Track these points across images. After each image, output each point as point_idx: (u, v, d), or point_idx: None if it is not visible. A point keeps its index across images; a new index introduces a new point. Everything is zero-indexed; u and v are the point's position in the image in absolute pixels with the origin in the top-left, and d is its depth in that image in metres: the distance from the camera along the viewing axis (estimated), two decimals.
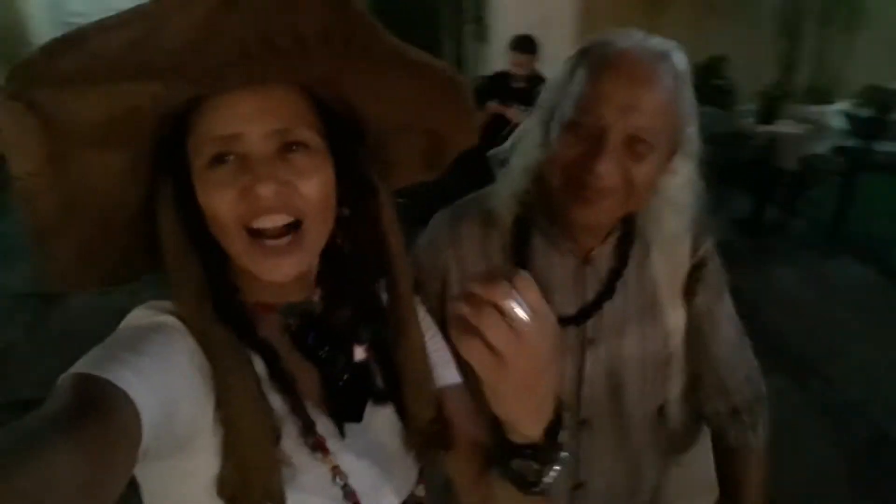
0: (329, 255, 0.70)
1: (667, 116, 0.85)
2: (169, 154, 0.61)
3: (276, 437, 0.62)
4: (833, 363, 2.97)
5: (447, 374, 0.78)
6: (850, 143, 4.71)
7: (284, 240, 0.61)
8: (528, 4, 4.88)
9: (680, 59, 0.88)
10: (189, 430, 0.57)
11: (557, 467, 0.62)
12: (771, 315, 3.34)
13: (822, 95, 5.68)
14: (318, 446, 0.65)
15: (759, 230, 4.35)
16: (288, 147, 0.60)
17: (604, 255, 0.98)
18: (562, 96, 0.89)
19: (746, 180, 4.78)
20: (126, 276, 0.68)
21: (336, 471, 0.66)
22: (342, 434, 0.67)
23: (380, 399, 0.72)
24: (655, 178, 0.88)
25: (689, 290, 1.01)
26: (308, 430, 0.64)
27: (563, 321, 0.96)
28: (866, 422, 2.61)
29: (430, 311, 0.85)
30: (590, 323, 0.98)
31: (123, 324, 0.63)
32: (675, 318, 1.01)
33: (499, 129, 4.00)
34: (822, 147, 4.94)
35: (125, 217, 0.63)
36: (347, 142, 0.67)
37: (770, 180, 4.53)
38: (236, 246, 0.61)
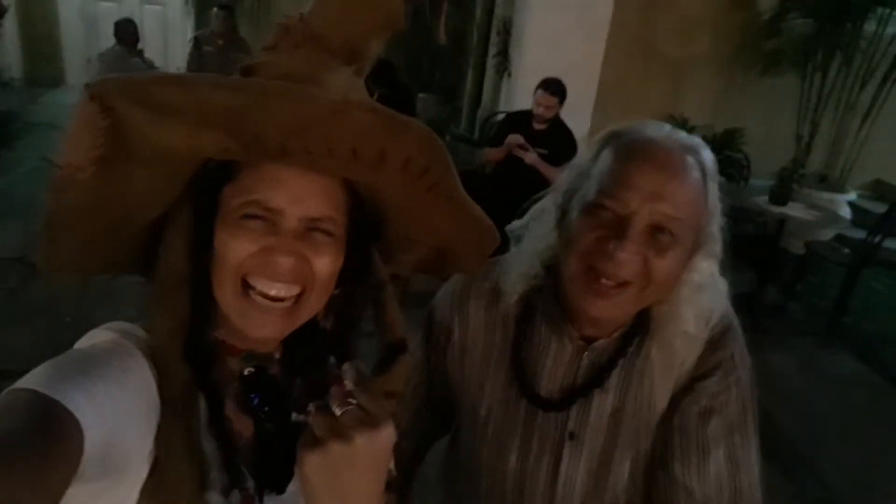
0: (306, 328, 0.71)
1: (693, 210, 0.82)
2: (203, 189, 0.64)
3: (202, 485, 0.62)
4: (824, 459, 2.86)
5: None
6: (855, 234, 4.68)
7: (281, 305, 0.64)
8: (556, 46, 4.88)
9: (708, 156, 0.85)
10: (123, 461, 0.57)
11: None
12: (763, 399, 3.22)
13: (833, 183, 5.69)
14: (244, 502, 0.65)
15: (758, 309, 4.28)
16: (315, 228, 0.64)
17: (605, 348, 0.92)
18: (584, 179, 0.87)
19: (750, 257, 4.74)
20: (110, 271, 0.71)
21: None
22: (261, 501, 0.67)
23: None
24: (675, 274, 0.84)
25: (676, 400, 0.90)
26: (235, 484, 0.65)
27: (545, 406, 0.92)
28: None
29: (431, 360, 1.01)
30: (573, 414, 0.91)
31: (84, 340, 0.63)
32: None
33: (513, 171, 4.01)
34: (828, 234, 4.91)
35: (136, 227, 0.65)
36: (364, 238, 0.71)
37: (774, 260, 4.47)
38: (228, 294, 0.63)
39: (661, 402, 0.91)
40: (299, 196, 0.62)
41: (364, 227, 0.70)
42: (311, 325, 0.72)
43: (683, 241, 0.82)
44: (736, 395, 0.90)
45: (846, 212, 5.37)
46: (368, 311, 0.75)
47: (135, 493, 0.59)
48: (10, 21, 7.90)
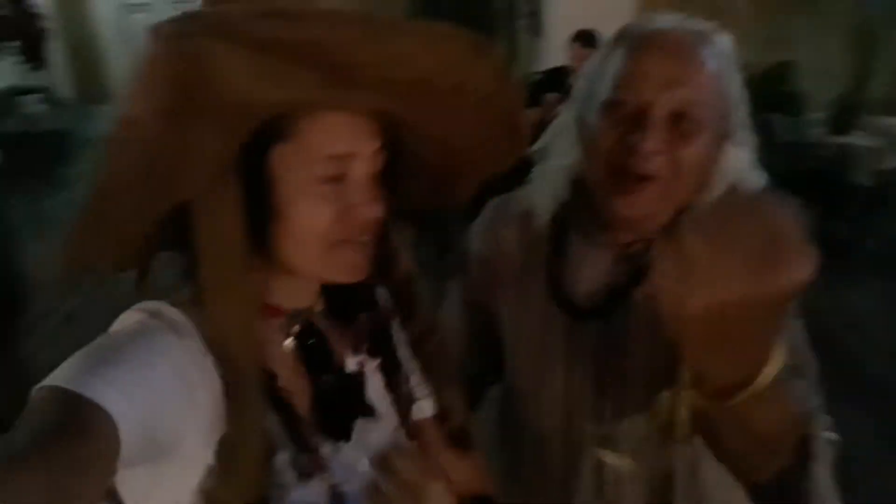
0: None
1: (714, 93, 0.79)
2: (252, 153, 0.60)
3: (272, 453, 0.62)
4: None
5: (425, 406, 0.83)
6: None
7: (363, 247, 0.66)
8: (585, 3, 4.73)
9: (724, 42, 0.82)
10: (171, 438, 0.57)
11: None
12: (842, 340, 3.14)
13: None
14: (314, 464, 0.65)
15: (827, 248, 4.08)
16: (373, 174, 0.65)
17: (644, 248, 0.88)
18: (596, 82, 0.84)
19: (813, 194, 4.51)
20: (123, 266, 0.66)
21: (333, 489, 0.66)
22: (336, 451, 0.68)
23: (370, 414, 0.74)
24: (705, 163, 0.80)
25: None
26: (304, 448, 0.65)
27: (585, 316, 0.90)
28: None
29: (470, 298, 1.02)
30: (613, 322, 0.88)
31: (114, 326, 0.63)
32: None
33: None
34: None
35: (179, 199, 0.60)
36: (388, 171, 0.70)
37: (840, 195, 4.25)
38: (313, 255, 0.63)
39: None
40: (364, 134, 0.63)
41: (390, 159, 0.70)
42: None
43: (708, 126, 0.78)
44: None
45: None
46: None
47: (196, 466, 0.59)
48: (54, 41, 8.21)
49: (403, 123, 0.66)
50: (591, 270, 0.91)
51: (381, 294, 0.79)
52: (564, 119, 0.92)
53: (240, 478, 0.60)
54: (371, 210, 0.63)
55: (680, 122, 0.77)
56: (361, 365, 0.74)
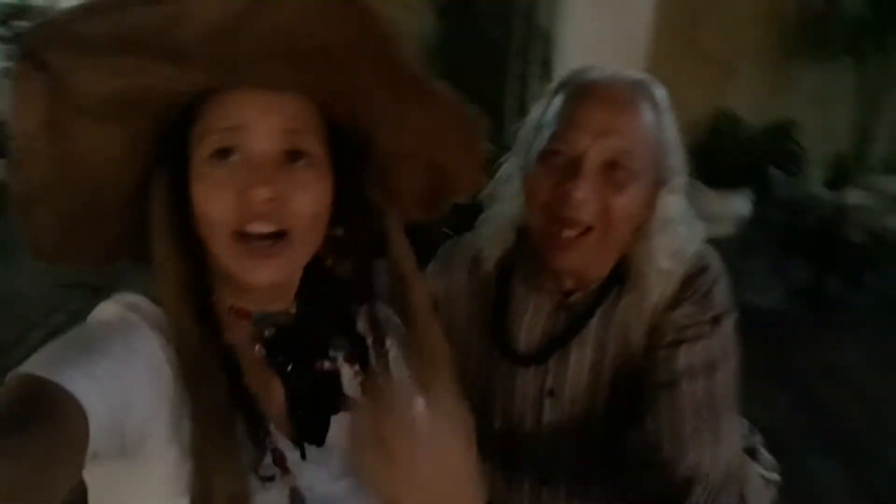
0: (313, 272, 0.69)
1: (647, 142, 0.81)
2: (169, 142, 0.61)
3: (239, 452, 0.60)
4: (889, 450, 2.76)
5: None
6: None
7: (268, 244, 0.60)
8: (598, 52, 4.89)
9: (658, 91, 0.85)
10: (140, 434, 0.56)
11: None
12: (830, 395, 3.16)
13: None
14: (277, 466, 0.63)
15: (820, 302, 4.16)
16: (291, 155, 0.60)
17: (583, 300, 0.91)
18: (537, 131, 0.87)
19: (809, 249, 4.60)
20: (108, 258, 0.68)
21: (294, 492, 0.63)
22: (303, 456, 0.66)
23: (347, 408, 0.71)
24: (639, 211, 0.83)
25: (654, 336, 0.87)
26: (264, 449, 0.63)
27: (524, 362, 0.92)
28: None
29: None
30: (551, 369, 0.91)
31: (90, 318, 0.62)
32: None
33: None
34: (893, 221, 4.72)
35: (116, 198, 0.62)
36: (351, 160, 0.67)
37: (835, 251, 4.34)
38: (220, 245, 0.60)
39: (638, 347, 0.89)
40: (260, 108, 0.58)
41: (348, 152, 0.66)
42: (321, 272, 0.70)
43: (641, 174, 0.81)
44: (716, 335, 0.86)
45: None
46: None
47: (165, 463, 0.58)
48: None
49: (345, 111, 0.64)
50: (532, 317, 0.94)
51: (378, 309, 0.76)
52: (509, 167, 0.95)
53: (211, 469, 0.57)
54: (264, 191, 0.57)
55: (613, 171, 0.80)
56: (334, 363, 0.72)
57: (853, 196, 4.44)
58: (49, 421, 0.46)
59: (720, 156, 5.60)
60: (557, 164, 0.82)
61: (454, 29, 5.92)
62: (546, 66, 6.29)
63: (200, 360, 0.60)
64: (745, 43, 5.95)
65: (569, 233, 0.81)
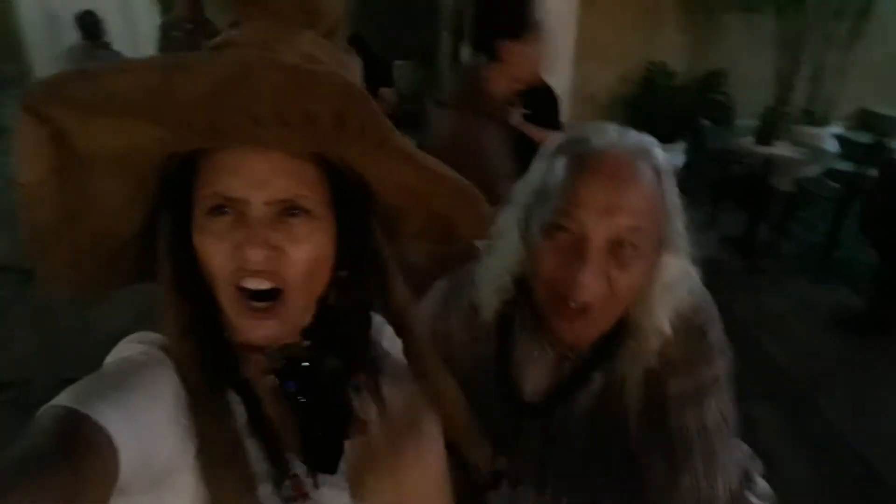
0: (321, 310, 0.70)
1: (651, 215, 0.82)
2: (173, 190, 0.62)
3: (251, 485, 0.61)
4: (824, 395, 2.90)
5: None
6: (843, 167, 4.68)
7: (266, 304, 0.61)
8: None
9: (660, 154, 0.84)
10: (166, 469, 0.57)
11: None
12: (760, 339, 3.29)
13: (817, 117, 5.66)
14: (296, 494, 0.65)
15: (751, 250, 4.30)
16: (289, 211, 0.61)
17: (586, 352, 0.92)
18: (538, 196, 0.86)
19: (740, 198, 4.73)
20: (116, 285, 0.69)
21: None
22: (316, 484, 0.67)
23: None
24: (640, 284, 0.83)
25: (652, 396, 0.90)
26: (285, 475, 0.64)
27: (530, 411, 0.93)
28: (853, 454, 2.54)
29: None
30: (556, 418, 0.92)
31: (114, 353, 0.64)
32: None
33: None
34: (816, 170, 4.90)
35: (123, 236, 0.64)
36: (353, 208, 0.67)
37: (765, 200, 4.47)
38: (224, 296, 0.62)
39: (635, 397, 0.90)
40: (261, 179, 0.59)
41: (351, 200, 0.66)
42: (328, 310, 0.70)
43: (645, 249, 0.81)
44: (719, 391, 0.90)
45: (834, 146, 5.36)
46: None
47: (187, 499, 0.59)
48: None
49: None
50: (536, 368, 0.94)
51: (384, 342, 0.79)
52: (507, 220, 0.93)
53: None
54: (259, 251, 0.58)
55: (619, 249, 0.79)
56: (345, 391, 0.73)
57: (779, 147, 4.57)
58: (82, 455, 0.47)
59: (652, 107, 5.66)
60: (563, 241, 0.81)
61: None
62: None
63: (204, 396, 0.61)
64: None
65: (573, 306, 0.81)
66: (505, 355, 0.95)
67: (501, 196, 0.92)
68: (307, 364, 0.69)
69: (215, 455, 0.60)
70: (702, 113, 5.51)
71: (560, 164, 0.84)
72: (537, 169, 0.89)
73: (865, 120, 6.23)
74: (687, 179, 4.59)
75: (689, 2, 6.04)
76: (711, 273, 0.93)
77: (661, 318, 0.86)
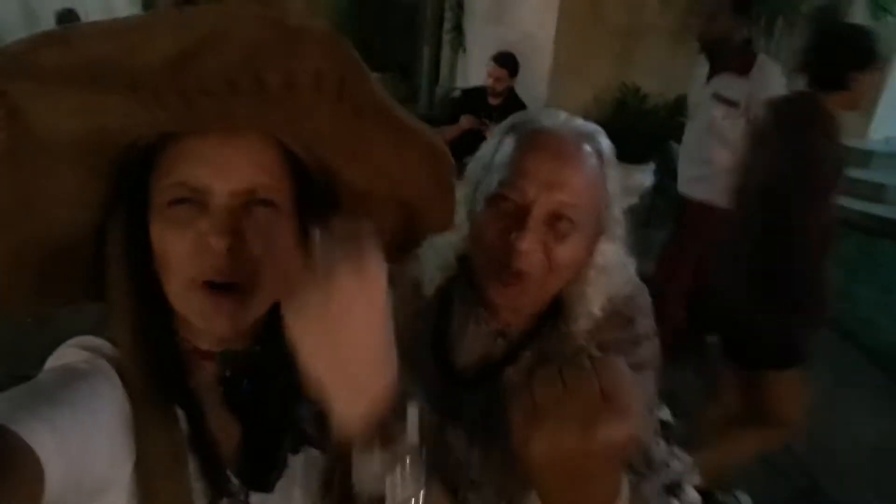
0: (278, 311, 0.66)
1: (591, 195, 0.85)
2: (129, 183, 0.59)
3: (190, 500, 0.60)
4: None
5: None
6: None
7: (230, 294, 0.59)
8: (509, 20, 4.91)
9: (605, 142, 0.89)
10: (98, 486, 0.55)
11: None
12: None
13: None
14: None
15: None
16: (253, 203, 0.59)
17: (520, 330, 0.96)
18: (487, 171, 0.90)
19: None
20: (62, 300, 0.64)
21: None
22: (247, 502, 0.65)
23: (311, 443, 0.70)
24: (578, 259, 0.87)
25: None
26: (220, 494, 0.62)
27: (460, 384, 0.95)
28: (802, 472, 2.62)
29: None
30: (485, 392, 0.94)
31: (54, 358, 0.61)
32: None
33: (473, 146, 4.02)
34: None
35: (70, 237, 0.59)
36: (318, 203, 0.65)
37: None
38: (179, 291, 0.59)
39: None
40: (225, 167, 0.57)
41: (314, 193, 0.65)
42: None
43: (583, 226, 0.85)
44: (637, 350, 0.91)
45: None
46: None
47: None
48: None
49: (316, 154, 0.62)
50: (471, 343, 0.97)
51: None
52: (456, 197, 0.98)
53: None
54: (223, 242, 0.56)
55: (557, 222, 0.84)
56: (296, 402, 0.70)
57: None
58: (3, 472, 0.44)
59: (625, 129, 5.79)
60: (505, 210, 0.85)
61: None
62: (459, 33, 6.29)
63: (150, 405, 0.58)
64: (646, 15, 6.13)
65: (511, 273, 0.84)
66: (442, 329, 0.99)
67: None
68: (255, 371, 0.67)
69: (155, 469, 0.57)
70: (672, 135, 5.65)
71: (509, 141, 0.89)
72: (487, 147, 0.93)
73: None
74: (655, 199, 4.73)
75: (664, 27, 6.21)
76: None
77: (593, 301, 0.90)
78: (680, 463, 1.11)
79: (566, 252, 0.84)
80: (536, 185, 0.83)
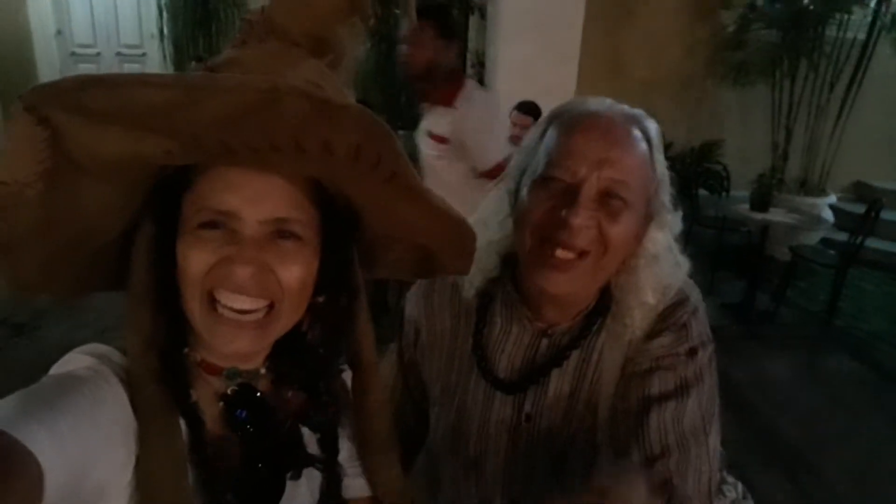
0: (288, 336, 0.67)
1: (640, 175, 0.83)
2: (162, 200, 0.61)
3: None
4: (825, 460, 2.84)
5: (357, 485, 0.79)
6: (839, 236, 4.73)
7: (250, 318, 0.61)
8: (529, 73, 4.97)
9: (652, 125, 0.87)
10: (98, 493, 0.55)
11: None
12: (762, 406, 3.25)
13: (812, 187, 5.76)
14: None
15: (750, 317, 4.30)
16: (280, 233, 0.60)
17: (566, 331, 0.91)
18: (531, 158, 0.88)
19: (737, 265, 4.76)
20: (83, 291, 0.67)
21: None
22: None
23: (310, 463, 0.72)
24: (630, 241, 0.84)
25: (629, 365, 0.88)
26: None
27: (503, 388, 0.92)
28: None
29: (405, 357, 1.04)
30: (529, 396, 0.91)
31: (60, 364, 0.61)
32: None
33: None
34: (813, 238, 4.95)
35: (99, 243, 0.62)
36: (340, 239, 0.67)
37: (762, 267, 4.50)
38: (196, 307, 0.60)
39: (613, 377, 0.89)
40: (255, 197, 0.59)
41: (339, 228, 0.66)
42: (297, 336, 0.69)
43: (634, 205, 0.82)
44: (690, 365, 0.86)
45: (829, 215, 5.43)
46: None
47: None
48: None
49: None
50: (513, 345, 0.94)
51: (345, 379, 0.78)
52: (498, 194, 0.95)
53: None
54: (247, 269, 0.58)
55: (609, 200, 0.81)
56: (296, 426, 0.72)
57: (775, 214, 4.63)
58: (3, 478, 0.44)
59: None
60: (554, 190, 0.82)
61: (389, 54, 5.91)
62: (482, 69, 6.36)
63: (154, 413, 0.59)
64: (668, 65, 6.19)
65: (563, 254, 0.81)
66: (483, 331, 0.96)
67: None
68: (260, 394, 0.68)
69: (155, 476, 0.58)
70: (698, 182, 5.61)
71: (553, 127, 0.87)
72: (530, 137, 0.90)
73: (860, 192, 6.35)
74: (686, 248, 4.65)
75: (685, 74, 6.27)
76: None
77: (645, 290, 0.86)
78: (733, 490, 1.06)
79: (619, 230, 0.81)
80: (587, 164, 0.80)
